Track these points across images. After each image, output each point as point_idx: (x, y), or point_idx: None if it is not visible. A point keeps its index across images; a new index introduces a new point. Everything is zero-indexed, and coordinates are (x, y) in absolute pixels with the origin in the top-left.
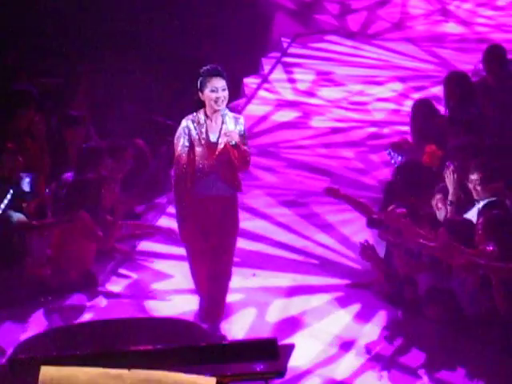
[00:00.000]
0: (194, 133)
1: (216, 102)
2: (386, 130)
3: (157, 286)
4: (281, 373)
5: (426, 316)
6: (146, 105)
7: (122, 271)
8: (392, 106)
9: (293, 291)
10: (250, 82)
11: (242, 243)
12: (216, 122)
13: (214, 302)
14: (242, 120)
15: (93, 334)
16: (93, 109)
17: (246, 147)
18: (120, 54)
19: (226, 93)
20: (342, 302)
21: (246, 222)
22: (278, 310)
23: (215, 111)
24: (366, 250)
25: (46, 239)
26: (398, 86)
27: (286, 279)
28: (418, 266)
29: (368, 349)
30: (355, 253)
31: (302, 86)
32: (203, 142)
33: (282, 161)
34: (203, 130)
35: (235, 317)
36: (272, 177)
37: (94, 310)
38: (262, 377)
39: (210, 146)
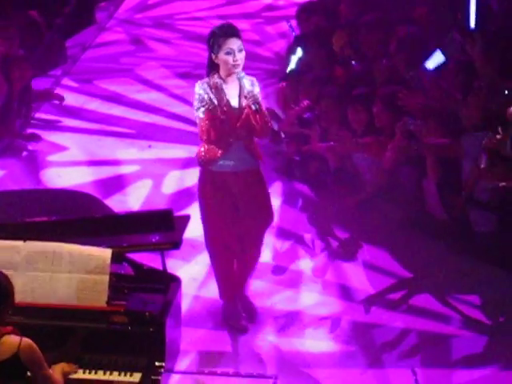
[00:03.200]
0: (212, 98)
1: (233, 65)
2: (281, 2)
3: (52, 158)
4: (176, 244)
5: (330, 188)
6: None
7: (17, 143)
8: None
9: (188, 163)
10: None
11: (137, 115)
12: (233, 85)
13: (241, 284)
14: (256, 82)
15: None
16: None
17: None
18: None
19: (243, 54)
20: None
21: (141, 94)
22: (174, 181)
23: (231, 74)
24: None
25: None
26: None
27: (181, 150)
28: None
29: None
30: None
31: None
32: (225, 108)
33: (177, 32)
34: (222, 95)
35: (131, 188)
36: (167, 48)
37: None
38: (158, 248)
39: (232, 112)
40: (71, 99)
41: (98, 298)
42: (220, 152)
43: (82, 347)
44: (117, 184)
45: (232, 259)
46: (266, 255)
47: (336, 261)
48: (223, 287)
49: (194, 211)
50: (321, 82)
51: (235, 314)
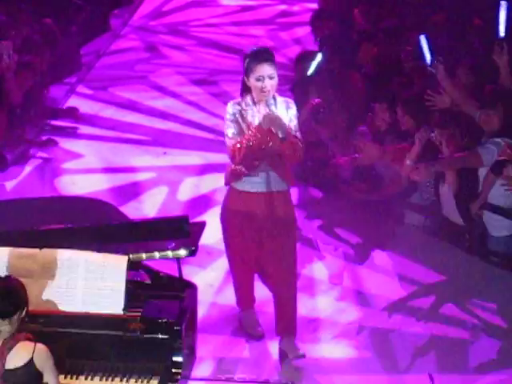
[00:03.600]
0: (241, 120)
1: (262, 91)
2: (295, 8)
3: (67, 165)
4: (192, 250)
5: (346, 193)
6: None
7: (33, 151)
8: None
9: (204, 169)
10: None
11: (152, 122)
12: (265, 108)
13: (283, 314)
14: (292, 104)
15: (4, 213)
16: None
17: (297, 134)
18: None
19: (275, 81)
20: None
21: (156, 101)
22: (189, 188)
23: (261, 99)
24: None
25: None
26: None
27: (196, 157)
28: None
29: None
30: None
31: None
32: (252, 132)
33: (191, 39)
34: (251, 118)
35: (146, 195)
36: (182, 55)
37: (3, 191)
38: (174, 255)
39: (259, 136)
40: (86, 106)
41: (115, 305)
42: (245, 173)
43: (99, 355)
44: (132, 191)
45: (250, 270)
46: None
47: (352, 267)
48: (240, 295)
49: (210, 218)
50: (328, 87)
51: (251, 321)
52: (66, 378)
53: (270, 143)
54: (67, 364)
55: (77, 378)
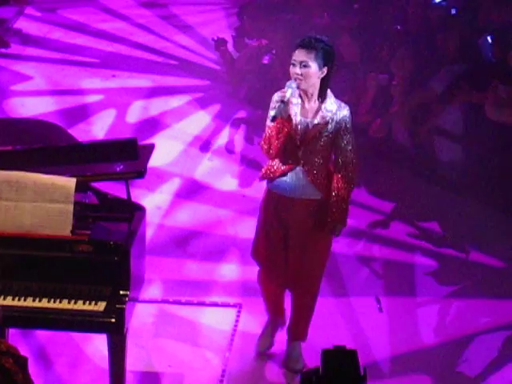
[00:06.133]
0: (284, 110)
1: (294, 78)
2: None
3: (16, 87)
4: (141, 173)
5: None
6: None
7: None
8: None
9: (152, 92)
10: None
11: (101, 44)
12: (312, 101)
13: (299, 321)
14: (345, 109)
15: None
16: None
17: (349, 148)
18: None
19: (308, 70)
20: (202, 103)
21: (105, 24)
22: (138, 110)
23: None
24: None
25: None
26: None
27: (145, 80)
28: None
29: (228, 149)
30: (214, 54)
31: None
32: (295, 121)
33: None
34: (295, 108)
35: (95, 118)
36: None
37: None
38: (122, 177)
39: (301, 129)
40: (34, 29)
41: (63, 227)
42: (279, 171)
43: (47, 276)
44: (81, 113)
45: (278, 280)
46: (230, 183)
47: None
48: (266, 307)
49: (159, 140)
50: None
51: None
52: (13, 299)
53: (308, 138)
54: (15, 286)
55: (25, 300)
